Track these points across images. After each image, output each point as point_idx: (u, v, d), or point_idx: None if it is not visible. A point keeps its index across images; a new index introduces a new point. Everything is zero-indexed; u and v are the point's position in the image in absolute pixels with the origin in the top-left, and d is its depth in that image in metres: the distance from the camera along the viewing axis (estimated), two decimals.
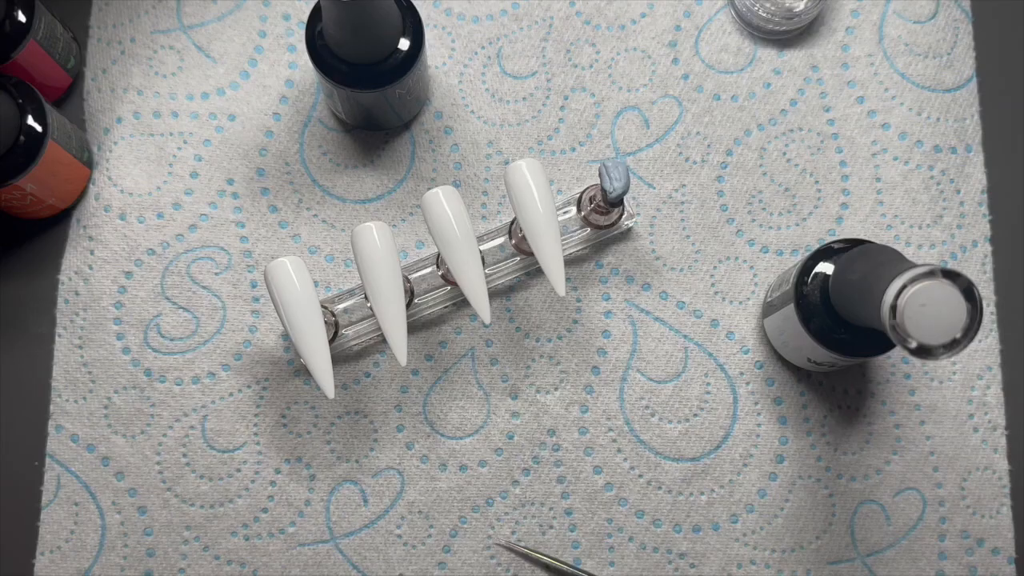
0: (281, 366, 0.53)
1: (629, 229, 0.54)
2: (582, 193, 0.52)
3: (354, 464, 0.52)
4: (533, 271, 0.54)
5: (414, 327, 0.53)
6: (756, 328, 0.54)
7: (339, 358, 0.52)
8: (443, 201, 0.45)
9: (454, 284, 0.51)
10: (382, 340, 0.52)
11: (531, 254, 0.51)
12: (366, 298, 0.49)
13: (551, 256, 0.46)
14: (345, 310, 0.51)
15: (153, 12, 0.56)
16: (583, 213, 0.52)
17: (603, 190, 0.48)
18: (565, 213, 0.52)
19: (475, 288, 0.46)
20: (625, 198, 0.51)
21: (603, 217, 0.52)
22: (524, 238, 0.50)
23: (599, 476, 0.52)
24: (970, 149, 0.56)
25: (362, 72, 0.49)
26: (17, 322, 0.53)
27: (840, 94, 0.56)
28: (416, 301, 0.52)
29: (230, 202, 0.54)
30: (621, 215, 0.52)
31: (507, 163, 0.55)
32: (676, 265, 0.54)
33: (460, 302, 0.53)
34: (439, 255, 0.51)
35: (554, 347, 0.53)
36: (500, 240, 0.52)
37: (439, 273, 0.51)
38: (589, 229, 0.53)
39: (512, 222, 0.51)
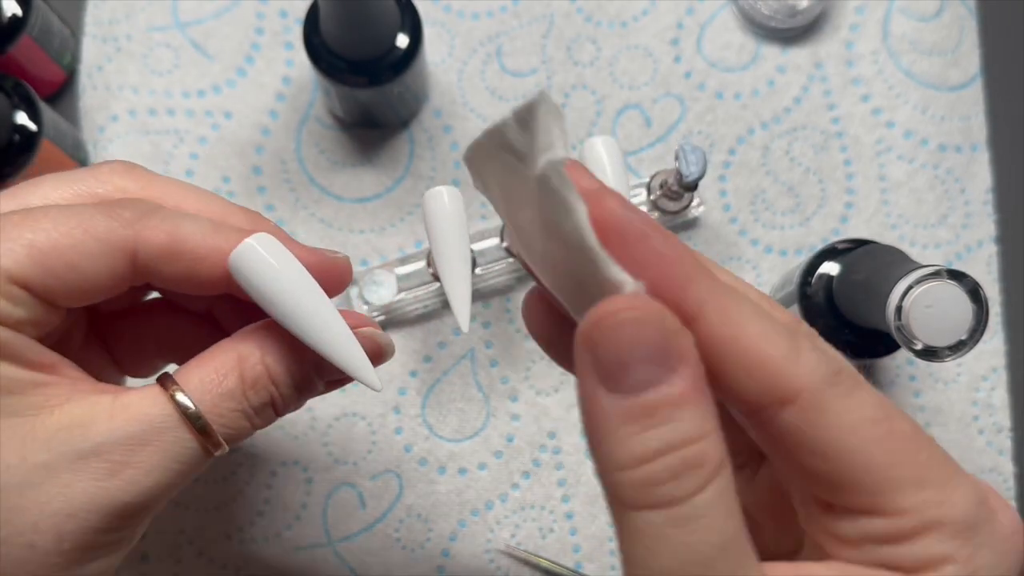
0: None
1: (696, 218, 0.54)
2: (652, 178, 0.52)
3: (351, 467, 0.51)
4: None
5: (412, 326, 0.52)
6: None
7: None
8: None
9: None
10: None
11: None
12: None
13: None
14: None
15: (149, 9, 0.55)
16: (652, 197, 0.52)
17: (679, 174, 0.47)
18: (634, 197, 0.52)
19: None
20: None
21: (673, 203, 0.51)
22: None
23: None
24: (976, 148, 0.55)
25: (360, 69, 0.48)
26: None
27: (844, 92, 0.55)
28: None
29: None
30: (690, 202, 0.52)
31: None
32: None
33: None
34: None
35: None
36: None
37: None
38: (657, 214, 0.52)
39: None
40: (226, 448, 0.31)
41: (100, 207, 0.30)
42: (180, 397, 0.30)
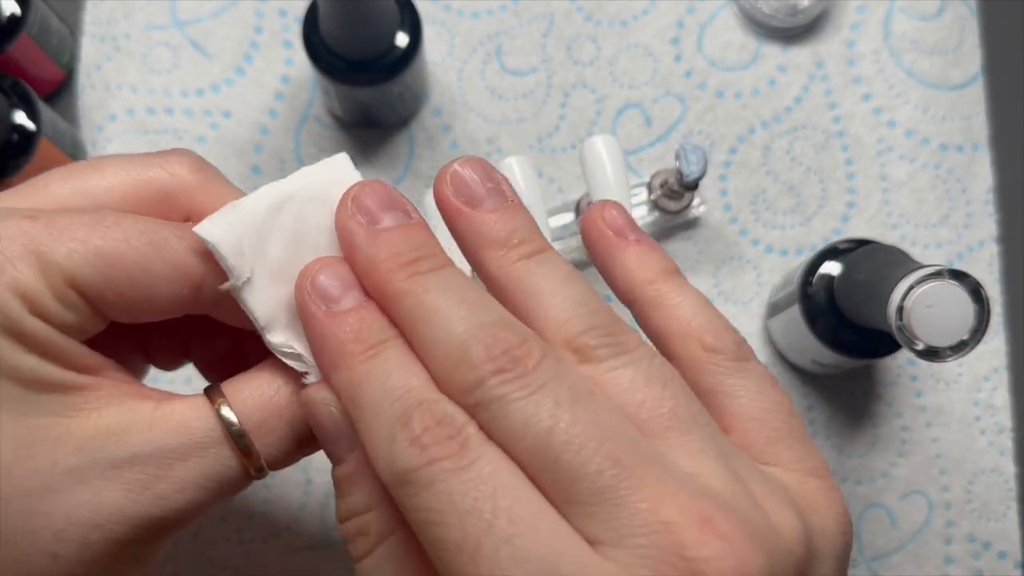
0: None
1: (697, 218, 0.54)
2: (652, 178, 0.51)
3: None
4: None
5: None
6: (760, 330, 0.53)
7: None
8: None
9: None
10: None
11: None
12: None
13: None
14: None
15: (148, 8, 0.55)
16: (653, 197, 0.51)
17: (679, 173, 0.47)
18: (635, 197, 0.52)
19: None
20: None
21: (674, 202, 0.51)
22: None
23: None
24: (977, 147, 0.55)
25: (359, 68, 0.48)
26: None
27: (845, 91, 0.55)
28: None
29: None
30: (691, 201, 0.52)
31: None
32: (679, 266, 0.53)
33: None
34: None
35: None
36: None
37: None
38: (658, 214, 0.52)
39: (580, 199, 0.51)
40: (267, 472, 0.29)
41: (177, 229, 0.28)
42: (225, 412, 0.28)
